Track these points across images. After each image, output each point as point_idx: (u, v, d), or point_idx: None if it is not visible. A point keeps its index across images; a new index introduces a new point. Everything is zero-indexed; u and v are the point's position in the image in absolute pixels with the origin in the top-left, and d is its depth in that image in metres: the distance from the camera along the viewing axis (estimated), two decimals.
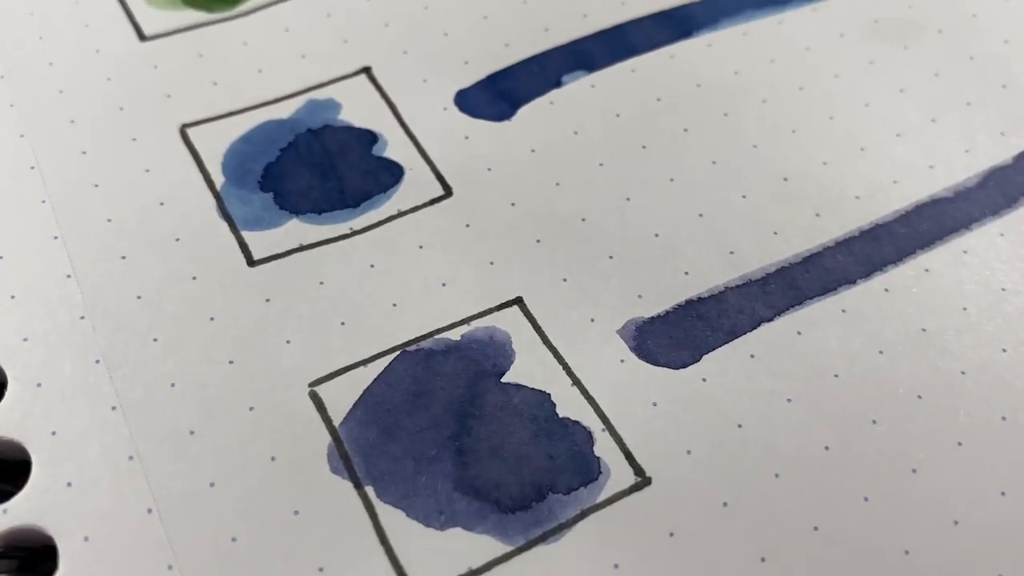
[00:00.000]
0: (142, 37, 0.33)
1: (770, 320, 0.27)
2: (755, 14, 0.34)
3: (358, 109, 0.31)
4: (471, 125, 0.31)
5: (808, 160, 0.30)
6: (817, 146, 0.30)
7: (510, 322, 0.27)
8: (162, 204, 0.28)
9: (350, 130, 0.31)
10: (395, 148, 0.30)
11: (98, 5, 0.33)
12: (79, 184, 0.29)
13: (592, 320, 0.27)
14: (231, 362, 0.26)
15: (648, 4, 0.34)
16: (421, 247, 0.28)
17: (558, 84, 0.32)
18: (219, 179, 0.29)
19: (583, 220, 0.29)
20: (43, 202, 0.28)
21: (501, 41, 0.33)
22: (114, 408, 0.24)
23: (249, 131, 0.30)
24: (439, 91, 0.32)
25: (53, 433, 0.24)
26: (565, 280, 0.28)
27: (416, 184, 0.29)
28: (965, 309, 0.27)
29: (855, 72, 0.33)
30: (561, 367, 0.26)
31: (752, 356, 0.26)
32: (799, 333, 0.27)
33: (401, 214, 0.29)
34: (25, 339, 0.26)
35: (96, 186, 0.29)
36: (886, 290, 0.28)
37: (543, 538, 0.23)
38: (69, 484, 0.23)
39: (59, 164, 0.29)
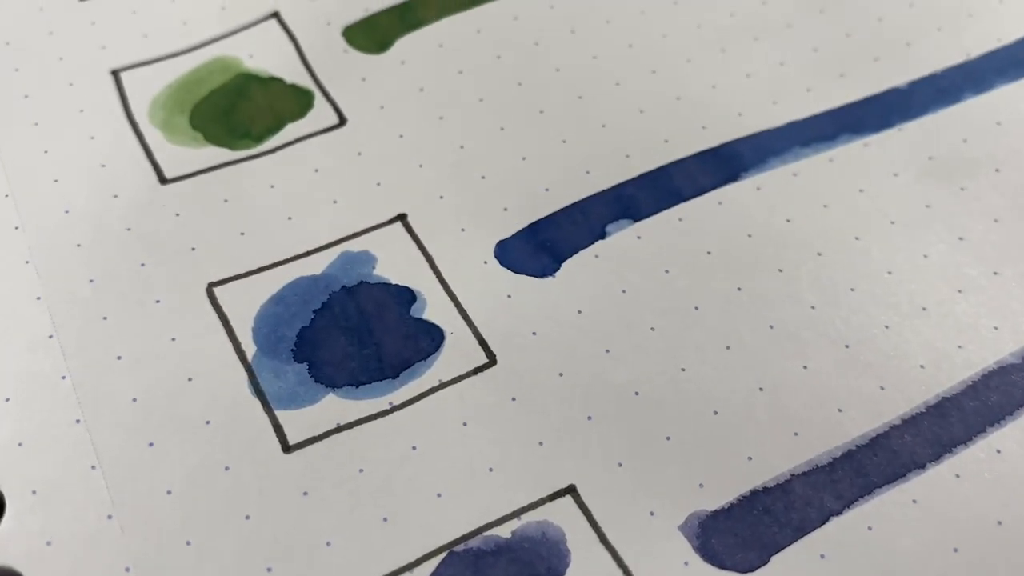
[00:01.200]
0: (163, 179, 0.31)
1: (839, 513, 0.25)
2: (804, 151, 0.32)
3: (394, 262, 0.30)
4: (513, 281, 0.29)
5: (869, 323, 0.29)
6: (878, 307, 0.29)
7: (563, 515, 0.25)
8: (190, 380, 0.27)
9: (387, 287, 0.29)
10: (434, 308, 0.29)
11: (115, 142, 0.32)
12: (101, 356, 0.27)
13: (652, 514, 0.25)
14: (269, 569, 0.24)
15: (692, 141, 0.32)
16: (465, 424, 0.27)
17: (603, 235, 0.30)
18: (250, 348, 0.28)
19: (636, 394, 0.27)
20: (63, 378, 0.27)
21: (541, 185, 0.31)
22: None
23: (280, 290, 0.29)
24: (478, 241, 0.30)
25: None
26: (620, 465, 0.26)
27: (458, 350, 0.28)
28: None
29: (911, 217, 0.31)
30: (621, 571, 0.24)
31: (822, 556, 0.25)
32: (870, 529, 0.25)
33: (443, 385, 0.27)
34: (49, 543, 0.24)
35: (119, 358, 0.27)
36: (957, 476, 0.26)
37: None
38: None
39: (78, 332, 0.27)
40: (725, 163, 0.32)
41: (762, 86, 0.34)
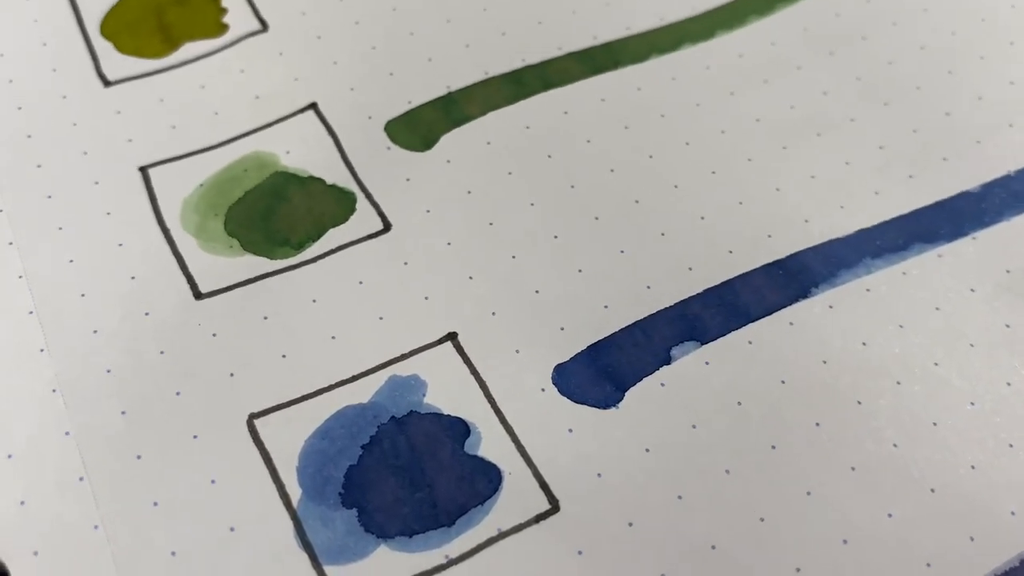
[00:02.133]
0: (198, 294, 0.29)
1: None
2: (875, 263, 0.31)
3: (446, 388, 0.28)
4: (574, 413, 0.27)
5: (954, 463, 0.27)
6: (962, 444, 0.27)
7: None
8: (233, 530, 0.25)
9: (439, 419, 0.27)
10: (490, 443, 0.27)
11: (146, 249, 0.30)
12: (136, 503, 0.25)
13: None
14: None
15: (758, 252, 0.31)
16: None
17: (668, 360, 0.28)
18: (295, 491, 0.26)
19: (713, 548, 0.25)
20: (95, 528, 0.25)
21: (599, 301, 0.29)
22: None
23: (326, 422, 0.27)
24: (534, 364, 0.28)
25: None
26: None
27: (517, 493, 0.26)
28: None
29: (991, 339, 0.29)
30: None
31: None
32: None
33: (502, 535, 0.25)
34: None
35: (155, 504, 0.25)
36: None
37: None
38: None
39: (111, 474, 0.25)
40: (794, 278, 0.30)
41: (827, 188, 0.32)
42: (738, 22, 0.36)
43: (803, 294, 0.30)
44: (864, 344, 0.29)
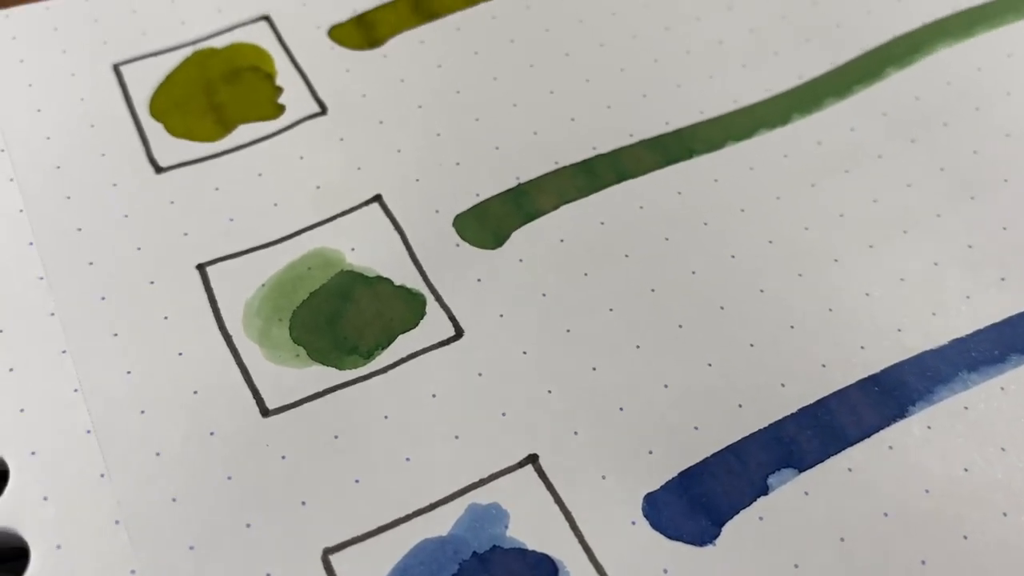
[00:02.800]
0: (264, 411, 0.27)
1: None
2: (971, 377, 0.29)
3: (529, 518, 0.26)
4: (669, 551, 0.26)
5: None
6: None
7: None
8: None
9: (523, 555, 0.26)
10: None
11: (209, 360, 0.28)
12: None
13: None
14: None
15: (851, 366, 0.29)
16: None
17: (765, 490, 0.27)
18: None
19: None
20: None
21: (689, 421, 0.28)
22: None
23: (404, 558, 0.25)
24: (623, 492, 0.27)
25: None
26: None
27: None
28: None
29: None
30: None
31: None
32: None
33: None
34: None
35: None
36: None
37: None
38: None
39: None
40: (890, 395, 0.29)
41: (918, 293, 0.31)
42: (815, 105, 0.35)
43: (900, 413, 0.28)
44: (966, 470, 0.27)
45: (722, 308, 0.30)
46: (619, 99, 0.34)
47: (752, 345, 0.29)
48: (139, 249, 0.30)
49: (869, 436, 0.28)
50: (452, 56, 0.35)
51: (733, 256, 0.31)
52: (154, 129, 0.33)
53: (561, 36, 0.36)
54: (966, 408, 0.29)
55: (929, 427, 0.28)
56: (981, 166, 0.34)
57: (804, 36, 0.36)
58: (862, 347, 0.29)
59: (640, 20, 0.36)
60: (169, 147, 0.33)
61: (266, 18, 0.35)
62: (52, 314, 0.28)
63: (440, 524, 0.26)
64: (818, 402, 0.28)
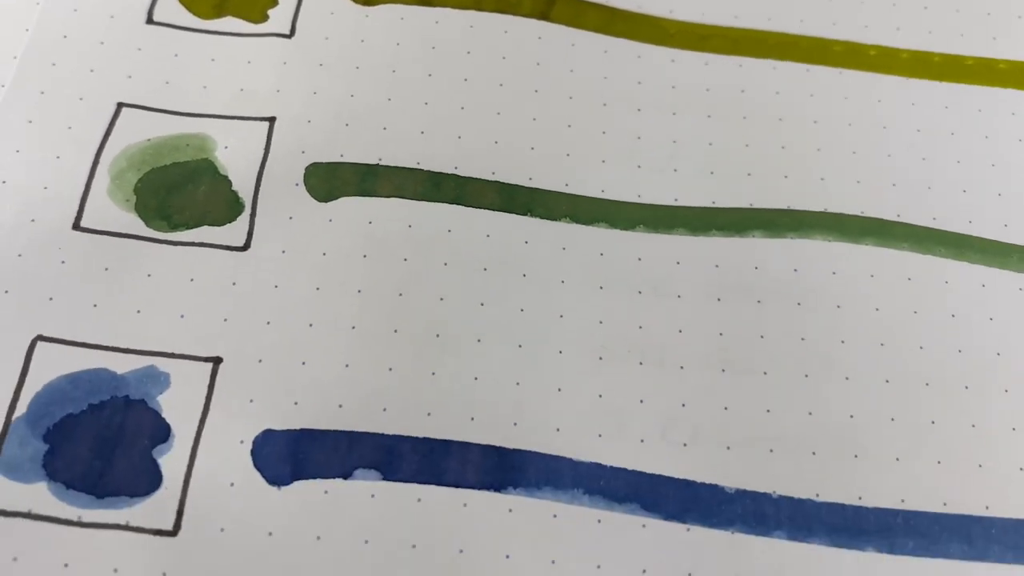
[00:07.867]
0: (76, 225, 0.36)
1: None
2: None
3: (180, 398, 0.33)
4: (245, 469, 0.32)
5: None
6: None
7: None
8: None
9: (156, 417, 0.33)
10: (173, 460, 0.32)
11: (69, 168, 0.36)
12: None
13: None
14: None
15: None
16: None
17: (347, 476, 0.33)
18: (22, 408, 0.32)
19: None
20: None
21: (377, 405, 0.33)
22: None
23: (82, 371, 0.33)
24: (254, 421, 0.33)
25: None
26: None
27: (158, 508, 0.32)
28: None
29: None
30: None
31: None
32: None
33: (128, 528, 0.31)
34: None
35: None
36: None
37: None
38: None
39: None
40: None
41: None
42: (667, 228, 0.38)
43: None
44: None
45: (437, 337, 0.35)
46: (531, 142, 0.39)
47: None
48: (92, 71, 0.39)
49: None
50: (440, 43, 0.40)
51: (483, 303, 0.36)
52: None
53: (539, 75, 0.40)
54: None
55: None
56: None
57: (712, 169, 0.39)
58: None
59: (605, 90, 0.40)
60: (171, 9, 0.41)
61: None
62: None
63: (123, 365, 0.34)
64: None
